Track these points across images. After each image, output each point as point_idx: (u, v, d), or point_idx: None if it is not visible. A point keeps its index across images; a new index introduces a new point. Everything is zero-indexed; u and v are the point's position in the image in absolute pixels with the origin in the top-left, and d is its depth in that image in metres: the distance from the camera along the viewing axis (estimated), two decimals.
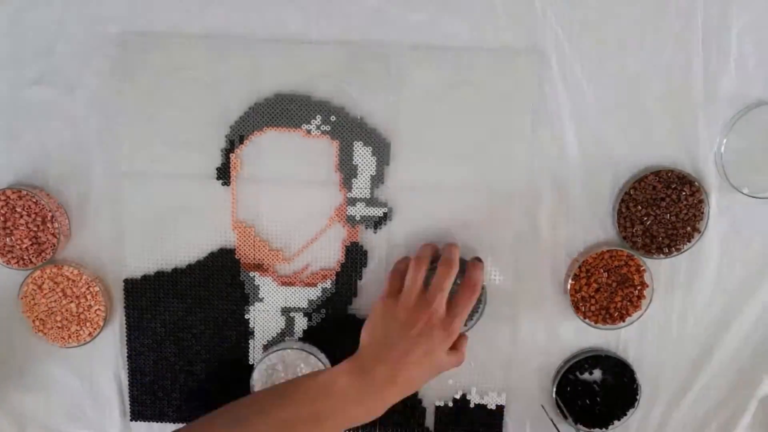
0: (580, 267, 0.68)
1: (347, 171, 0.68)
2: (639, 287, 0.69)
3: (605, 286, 0.68)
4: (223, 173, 0.67)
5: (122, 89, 0.66)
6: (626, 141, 0.67)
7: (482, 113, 0.66)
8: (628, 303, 0.69)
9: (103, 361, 0.72)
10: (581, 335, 0.71)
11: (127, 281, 0.70)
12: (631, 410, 0.72)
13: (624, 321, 0.69)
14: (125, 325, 0.71)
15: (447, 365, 0.62)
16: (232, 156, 0.67)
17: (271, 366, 0.69)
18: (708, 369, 0.71)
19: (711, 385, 0.72)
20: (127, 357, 0.71)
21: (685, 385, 0.72)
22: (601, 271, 0.68)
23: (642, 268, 0.68)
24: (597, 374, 0.72)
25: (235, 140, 0.67)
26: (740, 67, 0.65)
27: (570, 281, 0.68)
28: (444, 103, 0.66)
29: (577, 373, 0.71)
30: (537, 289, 0.70)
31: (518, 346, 0.71)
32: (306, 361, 0.69)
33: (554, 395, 0.71)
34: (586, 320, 0.69)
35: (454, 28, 0.64)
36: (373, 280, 0.70)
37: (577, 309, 0.68)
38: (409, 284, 0.62)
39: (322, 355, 0.69)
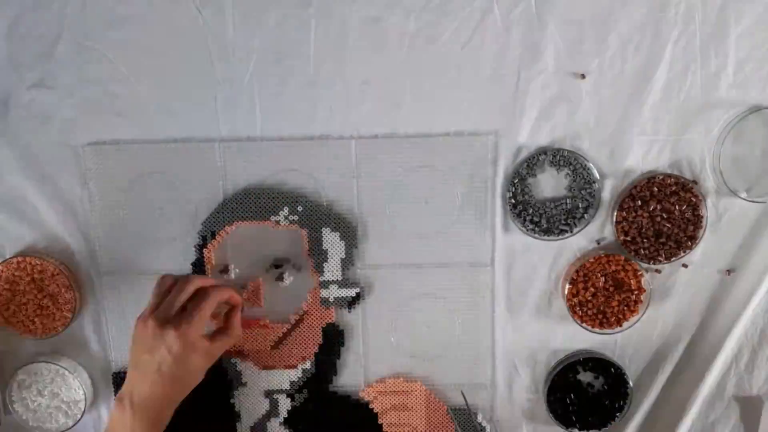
0: (577, 271, 0.68)
1: (318, 256, 0.70)
2: (636, 292, 0.68)
3: (602, 291, 0.68)
4: (199, 268, 0.70)
5: (93, 196, 0.69)
6: (624, 145, 0.67)
7: (442, 193, 0.68)
8: (625, 307, 0.69)
9: None
10: (578, 339, 0.71)
11: (115, 375, 0.72)
12: (620, 413, 0.71)
13: (621, 325, 0.69)
14: None
15: (216, 352, 0.62)
16: (206, 251, 0.69)
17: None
18: (705, 371, 0.70)
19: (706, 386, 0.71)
20: None
21: (680, 387, 0.71)
22: (598, 275, 0.68)
23: (639, 273, 0.68)
24: (590, 376, 0.71)
25: (207, 236, 0.69)
26: (738, 72, 0.65)
27: (567, 285, 0.68)
28: (405, 185, 0.68)
29: (570, 374, 0.71)
30: (533, 292, 0.70)
31: (515, 349, 0.72)
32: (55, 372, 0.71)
33: (545, 395, 0.71)
34: (583, 324, 0.69)
35: (410, 114, 0.67)
36: (351, 358, 0.72)
37: (574, 313, 0.68)
38: (164, 304, 0.61)
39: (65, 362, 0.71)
